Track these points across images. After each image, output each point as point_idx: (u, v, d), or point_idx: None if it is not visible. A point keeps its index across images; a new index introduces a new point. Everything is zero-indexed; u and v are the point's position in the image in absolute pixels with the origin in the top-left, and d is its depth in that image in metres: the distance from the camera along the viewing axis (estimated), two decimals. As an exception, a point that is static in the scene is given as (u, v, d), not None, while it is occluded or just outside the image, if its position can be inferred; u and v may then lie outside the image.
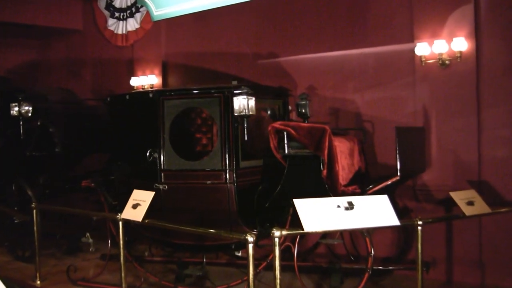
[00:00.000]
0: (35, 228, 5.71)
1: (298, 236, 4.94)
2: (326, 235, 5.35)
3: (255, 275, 4.05)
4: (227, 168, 5.07)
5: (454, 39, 5.29)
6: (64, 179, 6.93)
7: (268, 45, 6.89)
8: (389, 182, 4.93)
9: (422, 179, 5.61)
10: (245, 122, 4.95)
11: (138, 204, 4.66)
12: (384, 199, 4.10)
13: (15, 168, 6.81)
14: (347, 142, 5.32)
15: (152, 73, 8.03)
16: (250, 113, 4.95)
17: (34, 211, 5.72)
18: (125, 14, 8.38)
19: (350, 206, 3.96)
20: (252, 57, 7.05)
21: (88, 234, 6.96)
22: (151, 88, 7.84)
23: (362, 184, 5.12)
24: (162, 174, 5.26)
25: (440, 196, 5.45)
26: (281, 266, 3.80)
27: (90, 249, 6.90)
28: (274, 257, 3.81)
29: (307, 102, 5.48)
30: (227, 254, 6.23)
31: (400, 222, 4.05)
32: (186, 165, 5.23)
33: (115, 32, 8.48)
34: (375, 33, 6.02)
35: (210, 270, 5.81)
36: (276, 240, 3.80)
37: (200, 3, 7.01)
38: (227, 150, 5.08)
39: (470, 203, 4.62)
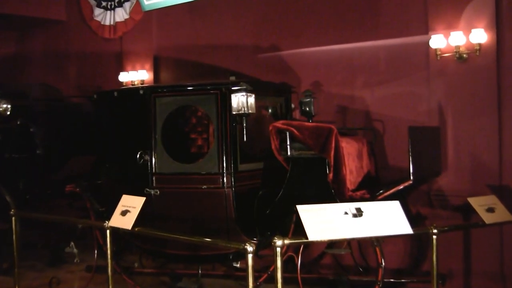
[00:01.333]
0: (14, 237, 5.71)
1: (302, 246, 4.96)
2: (332, 244, 5.37)
3: (255, 288, 4.07)
4: (224, 171, 5.09)
5: (473, 30, 5.31)
6: (46, 183, 6.94)
7: (269, 37, 6.91)
8: (401, 187, 4.95)
9: (438, 183, 5.63)
10: (244, 122, 4.97)
11: (128, 210, 4.68)
12: (395, 205, 4.11)
13: (-8, 172, 6.82)
14: (355, 143, 5.34)
15: (142, 68, 8.05)
16: (250, 111, 4.97)
17: (13, 218, 5.73)
18: (113, 3, 8.41)
19: (359, 213, 3.98)
20: (252, 50, 7.07)
21: (72, 243, 6.97)
22: (141, 84, 7.86)
23: (371, 189, 5.14)
24: (154, 178, 5.28)
25: (457, 202, 5.46)
26: (283, 278, 3.81)
27: (75, 260, 6.92)
28: (275, 268, 3.82)
29: (312, 99, 5.49)
30: (225, 265, 6.24)
31: (414, 230, 4.07)
32: (179, 168, 5.25)
33: (102, 23, 8.51)
34: (387, 24, 6.04)
35: (206, 283, 5.83)
36: (278, 249, 3.81)
37: (195, -9, 7.04)
38: (224, 152, 5.10)
39: (490, 210, 4.63)
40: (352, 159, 5.15)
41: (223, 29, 7.32)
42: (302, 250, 4.94)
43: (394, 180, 5.19)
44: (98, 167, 6.10)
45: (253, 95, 5.00)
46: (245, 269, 3.87)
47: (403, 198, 4.82)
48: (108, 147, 5.90)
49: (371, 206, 4.05)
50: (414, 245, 5.75)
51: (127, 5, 8.24)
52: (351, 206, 4.00)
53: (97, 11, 8.54)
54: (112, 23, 8.41)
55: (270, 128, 5.10)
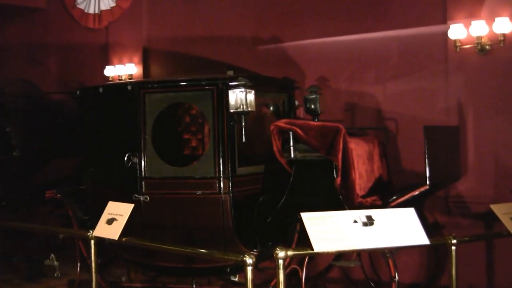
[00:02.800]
0: (-12, 248, 5.73)
1: (307, 258, 4.96)
2: (340, 256, 5.38)
3: (255, 304, 4.08)
4: (221, 175, 5.10)
5: (496, 19, 5.31)
6: (23, 189, 6.94)
7: (270, 27, 6.92)
8: (416, 193, 4.96)
9: (457, 188, 5.64)
10: (243, 120, 4.99)
11: (114, 219, 4.69)
12: (410, 213, 4.13)
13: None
14: (365, 145, 5.35)
15: (130, 61, 8.06)
16: (249, 109, 4.98)
17: (-12, 227, 5.75)
18: (98, -11, 8.42)
19: (369, 221, 3.99)
20: (251, 42, 7.08)
21: (52, 255, 6.96)
22: (129, 79, 7.86)
23: (383, 194, 5.15)
24: (143, 183, 5.29)
25: (479, 209, 5.47)
26: (286, 293, 3.82)
27: (55, 274, 6.90)
28: (277, 282, 3.83)
29: (317, 96, 5.50)
30: (221, 279, 6.24)
31: (430, 240, 4.08)
32: (171, 172, 5.26)
33: (85, 11, 8.50)
34: (400, 12, 6.04)
35: (201, 299, 5.84)
36: (280, 262, 3.82)
37: (189, -24, 7.07)
38: (221, 154, 5.11)
39: (515, 218, 4.64)
40: (362, 161, 5.16)
41: (220, 19, 7.33)
42: (307, 263, 4.95)
43: (409, 185, 5.19)
44: (81, 171, 6.10)
45: (253, 91, 5.01)
46: (244, 284, 3.88)
47: (418, 205, 4.83)
48: (93, 148, 5.91)
49: (383, 214, 4.06)
50: (430, 257, 5.76)
51: (113, -9, 8.24)
52: (361, 214, 4.01)
53: (80, -2, 8.54)
54: (96, 11, 8.41)
55: (272, 127, 5.11)
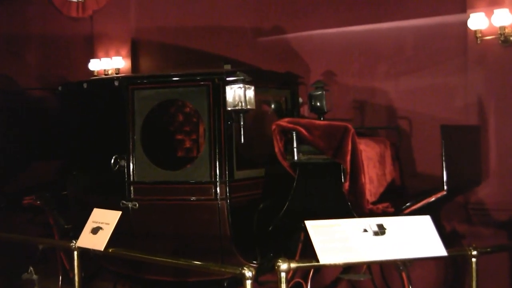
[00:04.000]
0: (-39, 260, 5.73)
1: (312, 270, 4.97)
2: (348, 268, 5.38)
3: (254, 321, 4.08)
4: (217, 180, 5.11)
5: (521, 7, 5.34)
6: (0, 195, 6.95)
7: (272, 17, 6.93)
8: (432, 199, 4.96)
9: (477, 194, 5.64)
10: (242, 119, 4.99)
11: (100, 227, 4.69)
12: (426, 221, 4.13)
13: None
14: (376, 146, 5.36)
15: (118, 54, 8.07)
16: (248, 107, 4.98)
17: (-40, 237, 5.75)
18: (81, -26, 8.43)
19: (381, 230, 3.99)
20: (251, 33, 7.09)
21: (31, 268, 6.95)
22: (116, 74, 7.87)
23: (396, 201, 5.16)
24: (132, 188, 5.30)
25: (502, 217, 5.47)
26: (289, 309, 3.83)
27: (35, 289, 6.92)
28: (280, 297, 3.85)
29: (324, 92, 5.50)
30: (218, 294, 6.26)
31: (448, 252, 4.08)
32: (163, 176, 5.27)
33: (68, -2, 8.52)
34: (415, 0, 6.06)
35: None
36: (283, 275, 3.82)
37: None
38: (217, 156, 5.11)
39: (541, 227, 4.65)
40: (373, 165, 5.17)
41: (217, 7, 7.33)
42: (312, 276, 4.95)
43: (424, 190, 5.20)
44: (63, 175, 6.11)
45: (252, 87, 5.02)
46: (243, 299, 3.89)
47: (435, 212, 4.83)
48: (76, 150, 5.91)
49: (396, 222, 4.07)
50: (448, 269, 5.76)
51: (99, -24, 8.25)
52: (371, 222, 4.02)
53: (62, -16, 8.55)
54: (80, -1, 8.42)
55: (273, 127, 5.11)
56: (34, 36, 9.10)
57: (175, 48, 7.67)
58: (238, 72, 5.03)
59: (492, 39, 5.49)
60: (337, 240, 3.90)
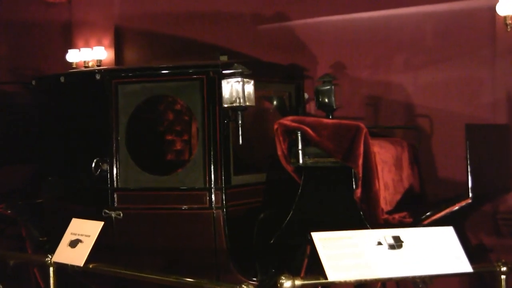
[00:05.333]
0: None
1: (320, 288, 4.98)
2: (361, 286, 5.38)
3: None
4: (212, 186, 5.11)
5: (556, -10, 5.34)
6: (-35, 203, 6.96)
7: (275, 2, 6.94)
8: (456, 207, 4.96)
9: (507, 202, 5.65)
10: (240, 118, 5.00)
11: (79, 240, 4.69)
12: (448, 233, 4.13)
13: None
14: (392, 148, 5.37)
15: (99, 43, 8.08)
16: (247, 103, 4.99)
17: None
18: (58, -47, 8.44)
19: (397, 243, 3.99)
20: (250, 20, 7.10)
21: (0, 286, 6.98)
22: (98, 66, 7.88)
23: (415, 210, 5.16)
24: (116, 196, 5.31)
25: (534, 228, 5.49)
26: (293, 333, 3.83)
27: (5, 309, 6.93)
28: (283, 319, 3.85)
29: (333, 87, 5.52)
30: (213, 316, 6.26)
31: (474, 267, 4.08)
32: (151, 182, 5.28)
33: (43, -19, 8.54)
34: (436, -17, 6.09)
35: None
36: (286, 293, 3.83)
37: None
38: (212, 160, 5.12)
39: None
40: (388, 169, 5.18)
41: (211, -9, 7.36)
42: (319, 295, 4.96)
43: (447, 198, 5.19)
44: (38, 181, 6.11)
45: (252, 82, 5.02)
46: (241, 320, 3.89)
47: (459, 223, 4.83)
48: (52, 153, 5.92)
49: (415, 234, 4.07)
50: (474, 287, 5.76)
51: (78, -44, 8.27)
52: (386, 234, 4.02)
53: (37, -35, 8.57)
54: (57, -19, 8.44)
55: (276, 126, 5.11)
56: (4, 23, 9.11)
57: (165, 37, 7.68)
58: (235, 64, 5.03)
59: (524, 26, 5.52)
60: (348, 255, 3.91)
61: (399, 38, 6.26)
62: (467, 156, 4.88)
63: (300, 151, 4.99)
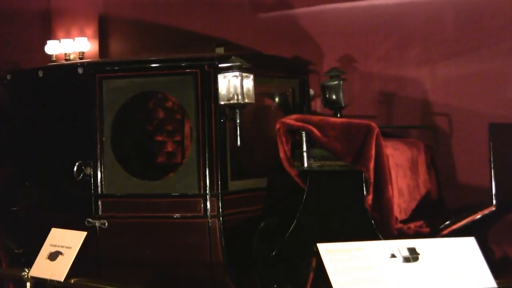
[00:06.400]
0: None
1: (327, 306, 4.98)
2: (373, 304, 5.38)
3: None
4: (207, 192, 5.12)
5: None
6: None
7: (276, -13, 6.96)
8: (478, 216, 4.97)
9: (535, 211, 5.65)
10: (238, 116, 5.00)
11: (59, 252, 4.69)
12: (470, 244, 4.13)
13: None
14: (407, 150, 5.37)
15: (82, 34, 8.08)
16: (246, 101, 4.99)
17: None
18: None
19: (413, 255, 4.00)
20: (249, 7, 7.10)
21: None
22: (80, 59, 7.88)
23: (432, 218, 5.16)
24: (100, 203, 5.31)
25: None
26: None
27: (-22, 329, 6.93)
28: None
29: (341, 82, 5.52)
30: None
31: (498, 283, 4.08)
32: (139, 188, 5.28)
33: (19, -36, 8.55)
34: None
35: None
36: (290, 311, 3.83)
37: None
38: (207, 163, 5.12)
39: None
40: (403, 173, 5.18)
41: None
42: (326, 313, 4.96)
43: (468, 205, 5.20)
44: (12, 187, 6.10)
45: (252, 76, 5.03)
46: None
47: (481, 233, 4.83)
48: (29, 155, 5.91)
49: (432, 246, 4.07)
50: (498, 305, 5.76)
51: None
52: (401, 246, 4.02)
53: None
54: (35, -35, 8.45)
55: (278, 126, 5.12)
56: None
57: (155, 27, 7.69)
58: (233, 57, 5.03)
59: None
60: (358, 268, 3.91)
61: (415, 28, 6.26)
62: (490, 159, 4.89)
63: (304, 154, 5.00)
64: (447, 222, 5.03)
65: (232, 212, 5.18)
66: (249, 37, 6.94)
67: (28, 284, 4.76)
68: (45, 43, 8.11)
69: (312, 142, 5.00)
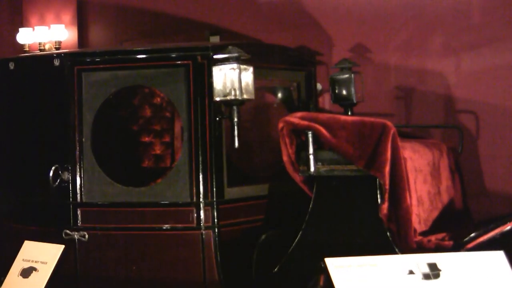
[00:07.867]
0: None
1: (336, 330, 5.01)
2: (389, 327, 5.42)
3: None
4: (200, 200, 5.14)
5: None
6: None
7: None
8: (507, 228, 4.99)
9: None
10: (235, 114, 5.02)
11: (33, 268, 4.72)
12: (498, 258, 4.16)
13: None
14: (428, 152, 5.39)
15: (58, 21, 8.10)
16: (245, 96, 5.00)
17: None
18: None
19: (434, 272, 4.02)
20: (249, -9, 7.14)
21: None
22: (57, 49, 7.91)
23: (456, 230, 5.19)
24: (79, 212, 5.34)
25: None
26: None
27: None
28: None
29: (352, 75, 5.55)
30: None
31: (529, 302, 4.12)
32: (123, 195, 5.30)
33: None
34: None
35: None
36: (294, 335, 3.87)
37: None
38: (200, 167, 5.15)
39: None
40: (423, 179, 5.20)
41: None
42: (335, 337, 4.99)
43: (496, 215, 5.22)
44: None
45: (251, 69, 5.04)
46: None
47: (511, 246, 4.86)
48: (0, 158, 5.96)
49: (455, 261, 4.10)
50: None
51: None
52: (420, 261, 4.05)
53: None
54: None
55: (281, 125, 5.14)
56: None
57: (140, 13, 7.71)
58: (230, 47, 5.05)
59: None
60: (371, 286, 3.95)
61: (437, 14, 6.27)
62: (522, 163, 4.93)
63: (311, 156, 5.01)
64: (473, 234, 5.04)
65: (229, 223, 5.21)
66: (248, 24, 6.95)
67: (-2, 304, 4.80)
68: (16, 31, 8.13)
69: (320, 143, 5.02)
